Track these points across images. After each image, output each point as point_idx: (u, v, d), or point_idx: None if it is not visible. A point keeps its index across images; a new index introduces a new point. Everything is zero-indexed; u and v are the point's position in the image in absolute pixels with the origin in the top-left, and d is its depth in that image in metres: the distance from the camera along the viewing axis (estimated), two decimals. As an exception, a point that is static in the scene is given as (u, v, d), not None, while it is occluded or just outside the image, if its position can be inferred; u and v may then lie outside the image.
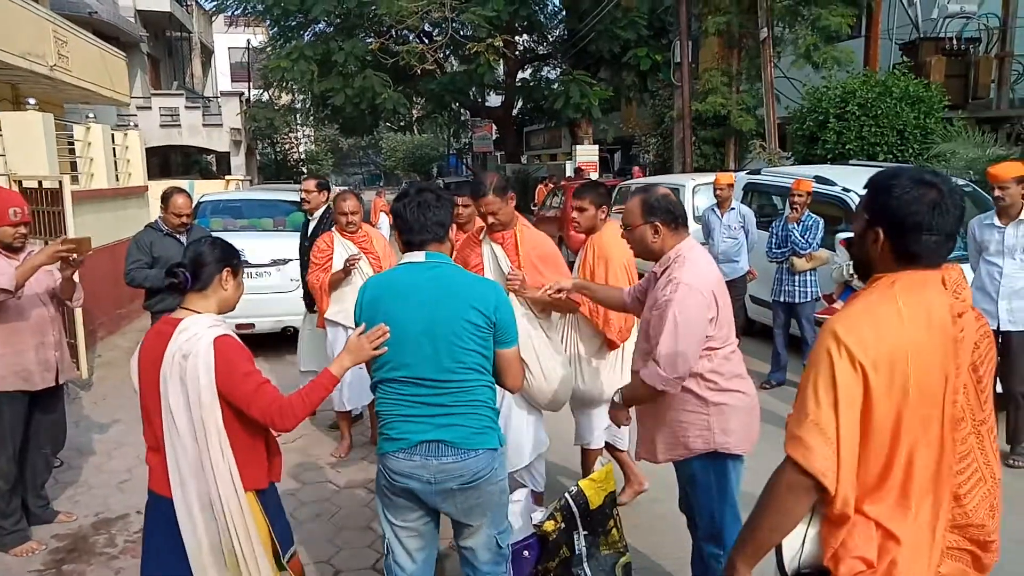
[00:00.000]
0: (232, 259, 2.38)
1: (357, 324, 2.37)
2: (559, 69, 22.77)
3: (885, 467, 1.59)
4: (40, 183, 6.58)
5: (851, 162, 8.59)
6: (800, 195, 5.99)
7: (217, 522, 2.26)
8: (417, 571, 2.42)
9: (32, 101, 7.38)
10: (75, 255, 3.56)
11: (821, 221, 5.96)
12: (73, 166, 8.81)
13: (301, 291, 5.35)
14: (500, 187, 3.30)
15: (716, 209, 6.96)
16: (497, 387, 2.42)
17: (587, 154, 19.15)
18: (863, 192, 1.70)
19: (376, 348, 2.28)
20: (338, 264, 4.60)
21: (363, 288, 2.44)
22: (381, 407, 2.38)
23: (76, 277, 3.83)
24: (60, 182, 6.14)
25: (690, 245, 2.61)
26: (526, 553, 2.85)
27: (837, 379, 1.53)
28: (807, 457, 1.54)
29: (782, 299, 6.11)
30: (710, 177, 8.28)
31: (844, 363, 1.53)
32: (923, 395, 1.56)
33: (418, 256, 2.37)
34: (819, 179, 6.64)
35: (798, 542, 1.65)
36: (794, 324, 6.23)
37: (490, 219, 3.32)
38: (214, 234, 3.53)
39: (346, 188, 5.43)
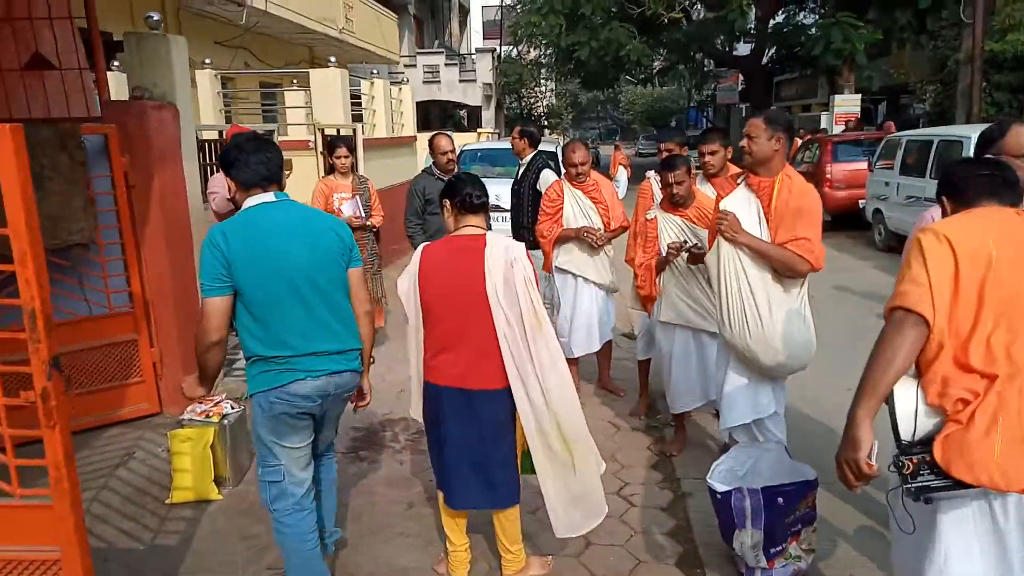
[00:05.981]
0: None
1: (230, 263, 2.45)
2: (818, 12, 20.87)
3: (974, 324, 1.79)
4: (338, 131, 7.62)
5: None
6: None
7: (543, 408, 2.70)
8: (307, 478, 2.77)
9: (333, 59, 8.51)
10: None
11: None
12: (355, 118, 10.01)
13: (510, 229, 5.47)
14: (772, 118, 3.13)
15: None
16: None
17: (847, 104, 17.45)
18: None
19: None
20: (569, 212, 4.67)
21: (222, 235, 2.47)
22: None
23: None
24: (354, 130, 7.06)
25: None
26: (780, 500, 2.80)
27: (925, 251, 1.81)
28: (903, 298, 1.81)
29: None
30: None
31: (929, 238, 1.83)
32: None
33: (268, 196, 2.59)
34: None
35: (911, 405, 1.81)
36: None
37: (744, 141, 3.15)
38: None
39: (575, 138, 5.51)
